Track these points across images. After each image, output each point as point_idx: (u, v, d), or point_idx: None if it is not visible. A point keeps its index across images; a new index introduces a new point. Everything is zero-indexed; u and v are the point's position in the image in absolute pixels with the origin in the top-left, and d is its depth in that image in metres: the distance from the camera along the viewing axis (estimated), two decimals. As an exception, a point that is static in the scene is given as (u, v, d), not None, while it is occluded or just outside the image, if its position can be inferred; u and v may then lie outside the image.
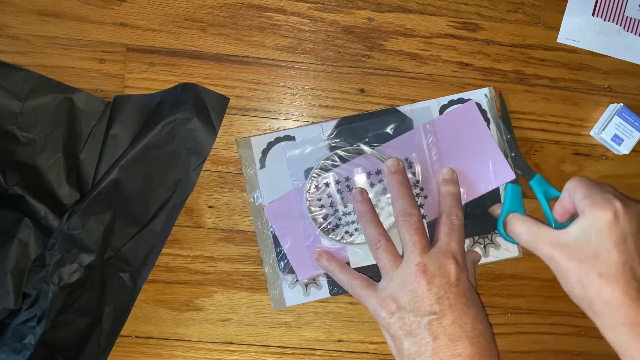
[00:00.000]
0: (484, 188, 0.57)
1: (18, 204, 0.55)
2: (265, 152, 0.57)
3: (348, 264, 0.56)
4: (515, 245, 0.58)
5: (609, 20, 0.59)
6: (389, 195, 0.56)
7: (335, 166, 0.56)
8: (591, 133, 0.59)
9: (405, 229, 0.51)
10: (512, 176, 0.57)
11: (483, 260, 0.57)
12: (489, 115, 0.57)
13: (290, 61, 0.58)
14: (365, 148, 0.56)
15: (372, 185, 0.56)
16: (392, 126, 0.57)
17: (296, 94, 0.58)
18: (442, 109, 0.57)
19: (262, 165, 0.57)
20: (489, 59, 0.59)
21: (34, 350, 0.51)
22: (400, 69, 0.58)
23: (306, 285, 0.57)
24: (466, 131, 0.57)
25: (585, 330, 0.60)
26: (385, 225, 0.55)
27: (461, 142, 0.57)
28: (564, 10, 0.59)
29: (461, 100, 0.57)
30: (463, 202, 0.56)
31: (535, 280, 0.59)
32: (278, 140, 0.57)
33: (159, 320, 0.58)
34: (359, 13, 0.58)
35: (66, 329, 0.53)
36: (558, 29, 0.59)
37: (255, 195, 0.57)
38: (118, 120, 0.56)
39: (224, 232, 0.58)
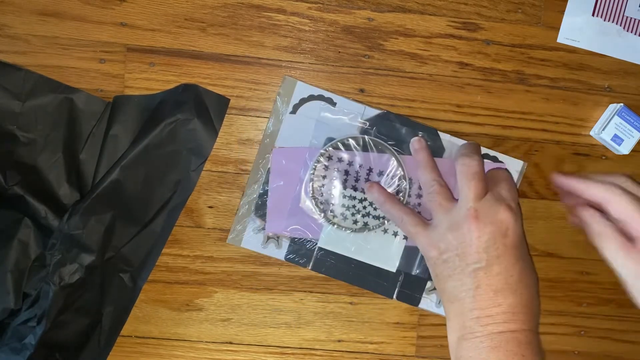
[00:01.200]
0: None
1: (18, 204, 0.55)
2: (303, 101, 0.57)
3: (317, 240, 0.57)
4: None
5: (609, 20, 0.59)
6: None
7: (358, 149, 0.56)
8: (591, 133, 0.59)
9: (463, 174, 0.50)
10: None
11: (434, 310, 0.58)
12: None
13: (290, 61, 0.58)
14: (393, 150, 0.56)
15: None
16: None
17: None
18: None
19: (293, 111, 0.57)
20: (489, 59, 0.59)
21: (34, 350, 0.51)
22: (400, 69, 0.58)
23: (268, 238, 0.57)
24: None
25: (585, 330, 0.60)
26: (373, 225, 0.57)
27: None
28: (564, 10, 0.59)
29: (494, 159, 0.58)
30: None
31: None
32: (320, 97, 0.57)
33: (159, 320, 0.58)
34: (359, 13, 0.58)
35: (66, 329, 0.53)
36: (558, 29, 0.59)
37: (270, 131, 0.57)
38: (118, 121, 0.56)
39: (224, 232, 0.58)
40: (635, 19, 0.59)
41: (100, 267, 0.54)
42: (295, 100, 0.57)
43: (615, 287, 0.60)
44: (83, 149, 0.57)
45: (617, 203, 0.47)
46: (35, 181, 0.56)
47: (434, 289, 0.58)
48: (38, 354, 0.52)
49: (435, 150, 0.57)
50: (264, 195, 0.57)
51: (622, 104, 0.57)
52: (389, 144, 0.57)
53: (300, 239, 0.57)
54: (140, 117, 0.57)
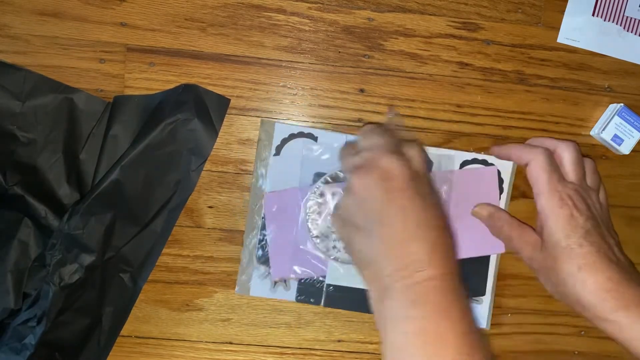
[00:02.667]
0: (474, 252, 0.58)
1: (18, 204, 0.55)
2: (284, 141, 0.57)
3: (324, 277, 0.57)
4: (485, 318, 0.58)
5: (609, 20, 0.59)
6: None
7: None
8: (591, 133, 0.59)
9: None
10: (502, 250, 0.58)
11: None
12: (504, 185, 0.58)
13: (290, 61, 0.58)
14: None
15: None
16: None
17: (296, 94, 0.58)
18: (463, 164, 0.58)
19: (277, 153, 0.57)
20: (489, 59, 0.59)
21: (34, 350, 0.51)
22: (400, 69, 0.58)
23: (275, 282, 0.57)
24: (478, 193, 0.57)
25: (585, 330, 0.60)
26: None
27: (470, 201, 0.57)
28: (564, 10, 0.59)
29: (485, 162, 0.58)
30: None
31: (536, 281, 0.59)
32: (300, 134, 0.57)
33: (159, 320, 0.58)
34: (359, 13, 0.58)
35: (66, 329, 0.53)
36: (558, 29, 0.59)
37: (260, 178, 0.57)
38: (118, 121, 0.56)
39: (224, 232, 0.58)
40: (635, 19, 0.59)
41: (100, 267, 0.54)
42: (276, 141, 0.57)
43: (615, 287, 0.60)
44: (83, 149, 0.57)
45: (533, 161, 0.51)
46: (35, 181, 0.56)
47: None
48: (38, 354, 0.52)
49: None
50: (262, 241, 0.57)
51: (622, 104, 0.57)
52: None
53: (307, 278, 0.57)
54: (140, 117, 0.57)
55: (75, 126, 0.57)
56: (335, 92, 0.58)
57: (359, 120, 0.58)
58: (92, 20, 0.57)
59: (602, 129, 0.57)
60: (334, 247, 0.56)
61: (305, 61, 0.58)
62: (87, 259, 0.53)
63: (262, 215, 0.57)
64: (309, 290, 0.57)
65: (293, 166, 0.57)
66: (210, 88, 0.57)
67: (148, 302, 0.58)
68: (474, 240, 0.57)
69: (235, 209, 0.58)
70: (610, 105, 0.59)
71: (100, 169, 0.56)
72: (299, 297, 0.57)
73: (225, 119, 0.57)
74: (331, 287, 0.57)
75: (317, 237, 0.56)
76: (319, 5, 0.58)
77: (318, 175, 0.56)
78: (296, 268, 0.57)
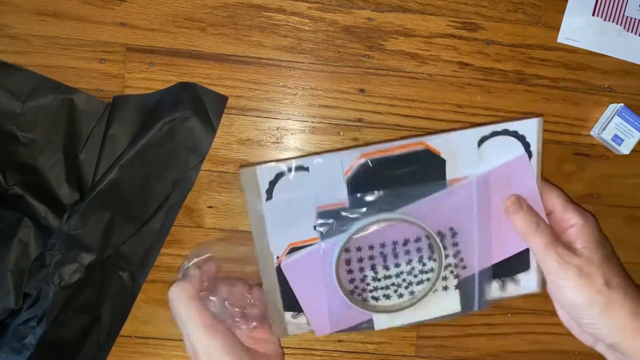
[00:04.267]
0: (517, 248, 0.53)
1: (18, 204, 0.55)
2: (272, 184, 0.49)
3: (372, 326, 0.53)
4: (535, 283, 0.54)
5: (609, 20, 0.59)
6: (423, 265, 0.52)
7: (367, 229, 0.50)
8: (591, 133, 0.59)
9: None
10: None
11: (499, 295, 0.54)
12: (531, 148, 0.51)
13: (290, 61, 0.58)
14: (407, 217, 0.50)
15: (407, 252, 0.51)
16: (422, 168, 0.49)
17: (296, 94, 0.58)
18: (482, 141, 0.50)
19: (269, 197, 0.49)
20: (489, 59, 0.59)
21: (34, 350, 0.51)
22: (400, 69, 0.58)
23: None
24: (515, 189, 0.51)
25: (585, 330, 0.60)
26: (419, 291, 0.52)
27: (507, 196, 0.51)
28: (564, 10, 0.59)
29: (505, 132, 0.50)
30: (500, 258, 0.53)
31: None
32: (289, 170, 0.48)
33: (159, 320, 0.58)
34: (359, 13, 0.58)
35: (66, 329, 0.53)
36: (558, 29, 0.59)
37: (257, 231, 0.50)
38: (117, 121, 0.56)
39: (224, 232, 0.58)
40: (635, 19, 0.59)
41: (99, 266, 0.54)
42: (265, 185, 0.48)
43: (615, 287, 0.60)
44: (83, 149, 0.57)
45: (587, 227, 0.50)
46: (35, 181, 0.56)
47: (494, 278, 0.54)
48: (38, 353, 0.52)
49: (437, 167, 0.50)
50: (287, 299, 0.52)
51: (622, 104, 0.57)
52: (392, 198, 0.50)
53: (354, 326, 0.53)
54: (138, 117, 0.57)
55: (75, 126, 0.57)
56: (335, 92, 0.58)
57: (359, 120, 0.58)
58: (92, 20, 0.57)
59: (602, 129, 0.57)
60: (373, 297, 0.52)
61: (305, 61, 0.58)
62: (87, 258, 0.53)
63: (275, 267, 0.51)
64: (352, 328, 0.54)
65: (291, 206, 0.49)
66: (210, 88, 0.57)
67: (148, 302, 0.58)
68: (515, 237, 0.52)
69: (235, 209, 0.58)
70: (610, 105, 0.59)
71: (99, 169, 0.56)
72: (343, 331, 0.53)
73: (225, 119, 0.57)
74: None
75: (352, 292, 0.52)
76: (319, 5, 0.58)
77: (324, 215, 0.50)
78: (341, 324, 0.53)
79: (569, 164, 0.59)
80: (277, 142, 0.58)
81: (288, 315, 0.53)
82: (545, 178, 0.54)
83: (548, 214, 0.51)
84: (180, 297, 0.50)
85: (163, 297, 0.58)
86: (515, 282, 0.54)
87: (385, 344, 0.60)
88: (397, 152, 0.50)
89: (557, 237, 0.49)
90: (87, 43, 0.57)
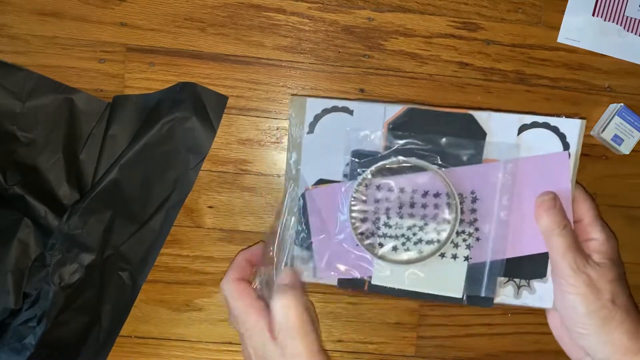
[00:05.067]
0: (538, 248, 0.52)
1: (18, 204, 0.55)
2: (317, 118, 0.52)
3: (370, 278, 0.53)
4: (550, 298, 0.53)
5: (609, 20, 0.59)
6: (437, 223, 0.52)
7: (393, 171, 0.51)
8: (591, 133, 0.59)
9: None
10: None
11: (513, 302, 0.53)
12: (570, 150, 0.51)
13: (290, 61, 0.58)
14: (433, 167, 0.51)
15: (424, 206, 0.52)
16: (462, 134, 0.51)
17: (296, 93, 0.58)
18: (522, 129, 0.51)
19: (311, 130, 0.52)
20: (489, 59, 0.59)
21: (34, 350, 0.51)
22: (400, 69, 0.58)
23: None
24: (547, 183, 0.51)
25: (585, 330, 0.60)
26: (428, 251, 0.52)
27: (537, 192, 0.51)
28: (564, 10, 0.59)
29: (546, 125, 0.51)
30: (510, 256, 0.52)
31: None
32: (335, 109, 0.52)
33: (159, 320, 0.58)
34: (359, 13, 0.58)
35: (66, 329, 0.53)
36: (558, 29, 0.59)
37: (293, 160, 0.53)
38: (117, 121, 0.56)
39: (223, 232, 0.58)
40: (635, 19, 0.59)
41: (99, 266, 0.54)
42: (309, 118, 0.52)
43: (615, 287, 0.60)
44: (83, 149, 0.57)
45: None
46: (35, 181, 0.56)
47: (508, 280, 0.53)
48: (38, 353, 0.52)
49: (477, 136, 0.51)
50: (302, 233, 0.53)
51: (622, 104, 0.57)
52: (425, 151, 0.51)
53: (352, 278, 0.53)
54: (138, 117, 0.57)
55: (75, 126, 0.57)
56: (335, 92, 0.58)
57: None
58: (91, 20, 0.57)
59: (602, 129, 0.57)
60: (380, 244, 0.52)
61: (305, 61, 0.58)
62: (87, 258, 0.53)
63: (299, 202, 0.53)
64: (353, 282, 0.54)
65: (329, 145, 0.52)
66: (210, 88, 0.57)
67: (148, 302, 0.58)
68: (538, 236, 0.51)
69: (235, 209, 0.58)
70: (610, 105, 0.59)
71: (100, 169, 0.56)
72: (341, 284, 0.53)
73: (225, 119, 0.57)
74: (376, 287, 0.53)
75: (361, 233, 0.52)
76: (319, 5, 0.58)
77: (357, 154, 0.52)
78: (341, 267, 0.53)
79: (569, 164, 0.59)
80: (277, 142, 0.58)
81: (300, 256, 0.53)
82: (581, 184, 0.54)
83: (575, 221, 0.51)
84: (233, 294, 0.50)
85: (163, 297, 0.58)
86: (531, 290, 0.53)
87: (385, 344, 0.60)
88: (442, 109, 0.52)
89: (578, 244, 0.50)
90: (87, 43, 0.57)
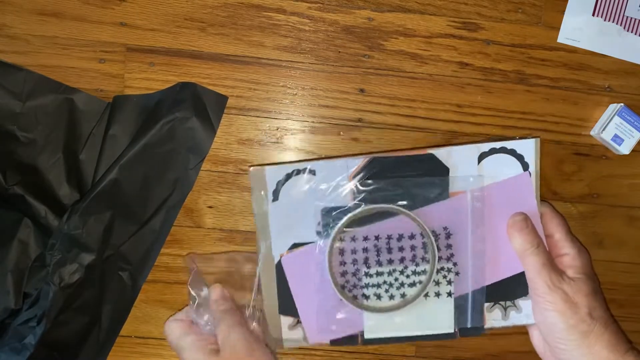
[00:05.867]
0: (515, 269, 0.53)
1: (18, 204, 0.55)
2: (280, 184, 0.52)
3: (361, 335, 0.53)
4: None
5: (609, 20, 0.59)
6: (416, 265, 0.52)
7: (365, 221, 0.52)
8: (591, 133, 0.59)
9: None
10: None
11: (502, 324, 0.54)
12: (530, 169, 0.53)
13: (290, 61, 0.58)
14: (403, 210, 0.51)
15: (401, 249, 0.52)
16: (426, 174, 0.52)
17: (296, 94, 0.58)
18: (482, 157, 0.52)
19: (275, 198, 0.52)
20: (489, 59, 0.59)
21: (34, 350, 0.51)
22: (400, 69, 0.58)
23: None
24: (514, 205, 0.52)
25: (585, 330, 0.60)
26: (412, 294, 0.52)
27: (506, 215, 0.52)
28: (564, 10, 0.59)
29: (503, 150, 0.52)
30: (490, 282, 0.53)
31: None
32: (297, 172, 0.52)
33: (159, 320, 0.58)
34: (359, 13, 0.58)
35: (66, 329, 0.53)
36: (558, 29, 0.59)
37: (262, 230, 0.52)
38: (117, 121, 0.56)
39: (223, 232, 0.58)
40: (635, 19, 0.59)
41: (99, 266, 0.54)
42: (272, 186, 0.52)
43: (614, 287, 0.60)
44: (83, 149, 0.57)
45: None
46: (35, 181, 0.56)
47: (494, 304, 0.53)
48: (38, 353, 0.52)
49: (442, 175, 0.52)
50: (284, 299, 0.53)
51: (622, 104, 0.57)
52: (392, 196, 0.52)
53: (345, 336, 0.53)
54: (138, 117, 0.57)
55: (76, 126, 0.57)
56: (335, 92, 0.58)
57: (359, 120, 0.58)
58: (91, 20, 0.57)
59: (602, 129, 0.57)
60: (364, 295, 0.52)
61: (305, 61, 0.58)
62: (87, 258, 0.53)
63: (275, 266, 0.53)
64: (345, 339, 0.53)
65: (296, 208, 0.52)
66: (210, 88, 0.57)
67: (148, 302, 0.58)
68: (513, 258, 0.52)
69: (235, 209, 0.58)
70: (610, 105, 0.59)
71: (100, 169, 0.56)
72: (333, 343, 0.53)
73: (225, 119, 0.57)
74: (370, 340, 0.53)
75: (343, 287, 0.52)
76: (319, 5, 0.58)
77: (326, 211, 0.52)
78: (331, 327, 0.53)
79: (569, 164, 0.59)
80: (277, 142, 0.58)
81: (284, 324, 0.53)
82: (547, 200, 0.56)
83: (546, 237, 0.53)
84: (175, 332, 0.53)
85: (163, 297, 0.58)
86: (518, 309, 0.54)
87: (385, 344, 0.60)
88: (403, 154, 0.52)
89: (552, 261, 0.51)
90: (87, 43, 0.57)
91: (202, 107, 0.56)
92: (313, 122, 0.58)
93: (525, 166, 0.53)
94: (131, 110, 0.57)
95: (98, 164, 0.57)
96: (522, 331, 0.60)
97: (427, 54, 0.58)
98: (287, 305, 0.53)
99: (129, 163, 0.54)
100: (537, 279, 0.50)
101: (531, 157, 0.53)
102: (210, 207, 0.58)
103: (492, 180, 0.53)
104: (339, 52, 0.58)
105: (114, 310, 0.56)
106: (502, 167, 0.53)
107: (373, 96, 0.58)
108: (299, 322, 0.53)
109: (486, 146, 0.53)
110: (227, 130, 0.58)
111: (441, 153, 0.52)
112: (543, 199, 0.58)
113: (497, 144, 0.53)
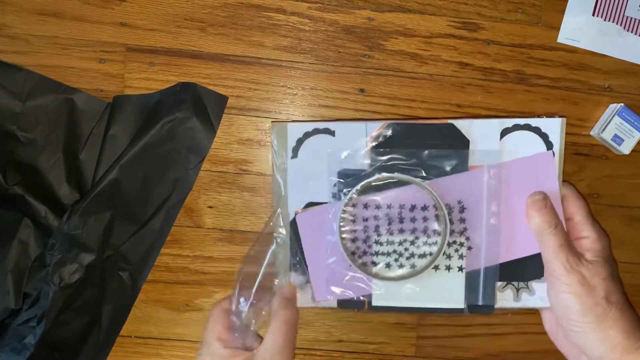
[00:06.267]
0: (532, 249, 0.52)
1: (18, 204, 0.55)
2: (300, 142, 0.52)
3: (370, 296, 0.52)
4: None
5: (609, 20, 0.59)
6: (428, 236, 0.52)
7: (379, 188, 0.52)
8: (591, 133, 0.59)
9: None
10: None
11: (513, 305, 0.53)
12: (554, 149, 0.52)
13: (290, 61, 0.58)
14: (417, 180, 0.51)
15: (413, 220, 0.52)
16: (445, 144, 0.51)
17: (296, 94, 0.58)
18: (504, 133, 0.52)
19: (295, 155, 0.52)
20: (489, 59, 0.59)
21: (34, 350, 0.51)
22: (400, 69, 0.58)
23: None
24: (534, 184, 0.51)
25: (585, 330, 0.60)
26: (421, 265, 0.52)
27: (525, 194, 0.51)
28: (564, 10, 0.59)
29: (527, 127, 0.51)
30: (504, 261, 0.52)
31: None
32: (316, 131, 0.52)
33: (159, 320, 0.58)
34: (359, 13, 0.58)
35: (66, 329, 0.53)
36: (558, 28, 0.59)
37: (279, 185, 0.52)
38: (116, 121, 0.56)
39: (224, 232, 0.58)
40: (635, 19, 0.59)
41: (99, 266, 0.54)
42: (292, 143, 0.52)
43: (615, 287, 0.60)
44: (83, 149, 0.57)
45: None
46: (35, 181, 0.56)
47: (507, 284, 0.53)
48: (38, 353, 0.52)
49: (460, 145, 0.51)
50: (297, 258, 0.53)
51: (622, 104, 0.57)
52: (408, 165, 0.51)
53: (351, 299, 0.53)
54: (138, 117, 0.57)
55: (76, 126, 0.57)
56: (335, 92, 0.58)
57: (359, 120, 0.58)
58: (91, 20, 0.57)
59: (602, 129, 0.57)
60: (373, 262, 0.52)
61: (305, 61, 0.58)
62: (87, 258, 0.53)
63: (290, 232, 0.53)
64: (352, 302, 0.53)
65: (314, 167, 0.52)
66: (210, 88, 0.57)
67: (148, 302, 0.58)
68: (530, 237, 0.51)
69: (235, 209, 0.58)
70: (610, 105, 0.59)
71: (99, 169, 0.56)
72: (340, 305, 0.53)
73: (225, 119, 0.57)
74: (376, 307, 0.53)
75: (353, 253, 0.52)
76: (319, 5, 0.58)
77: (342, 174, 0.52)
78: (336, 290, 0.52)
79: (569, 164, 0.59)
80: (277, 142, 0.58)
81: (294, 283, 0.53)
82: (571, 182, 0.55)
83: (567, 219, 0.52)
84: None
85: (163, 297, 0.58)
86: (530, 291, 0.53)
87: (385, 344, 0.60)
88: (423, 121, 0.52)
89: (570, 243, 0.50)
90: (87, 43, 0.57)
91: (202, 107, 0.56)
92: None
93: (549, 145, 0.52)
94: (131, 110, 0.57)
95: (98, 164, 0.57)
96: (522, 331, 0.60)
97: (427, 54, 0.58)
98: (298, 263, 0.53)
99: (129, 163, 0.54)
100: (554, 260, 0.49)
101: (556, 137, 0.52)
102: (210, 207, 0.58)
103: (513, 156, 0.52)
104: (339, 52, 0.58)
105: (114, 310, 0.56)
106: (525, 145, 0.52)
107: (373, 96, 0.58)
108: (308, 281, 0.53)
109: (510, 122, 0.52)
110: (227, 130, 0.58)
111: (462, 124, 0.51)
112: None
113: (522, 121, 0.52)
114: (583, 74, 0.59)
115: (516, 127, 0.52)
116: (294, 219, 0.53)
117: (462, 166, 0.52)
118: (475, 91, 0.59)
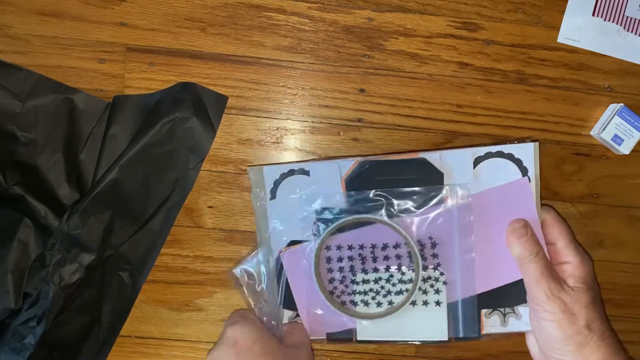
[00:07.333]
0: (515, 276, 0.53)
1: (18, 204, 0.55)
2: (277, 183, 0.54)
3: (356, 333, 0.54)
4: None
5: (609, 20, 0.59)
6: (402, 273, 0.53)
7: (351, 228, 0.53)
8: (591, 133, 0.59)
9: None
10: None
11: (500, 330, 0.54)
12: (529, 174, 0.52)
13: (290, 61, 0.58)
14: (385, 219, 0.52)
15: (386, 258, 0.53)
16: (418, 178, 0.52)
17: (296, 94, 0.58)
18: (477, 161, 0.52)
19: (273, 196, 0.54)
20: (489, 59, 0.59)
21: (34, 350, 0.51)
22: (400, 69, 0.58)
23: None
24: (512, 212, 0.52)
25: (585, 330, 0.60)
26: (398, 302, 0.53)
27: (504, 222, 0.52)
28: (564, 10, 0.59)
29: (500, 154, 0.52)
30: (483, 291, 0.53)
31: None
32: (292, 173, 0.54)
33: (159, 320, 0.58)
34: (359, 13, 0.58)
35: (66, 329, 0.53)
36: (558, 28, 0.59)
37: (261, 227, 0.55)
38: (116, 121, 0.56)
39: (223, 232, 0.58)
40: (635, 19, 0.59)
41: (99, 266, 0.54)
42: (269, 184, 0.54)
43: (613, 287, 0.60)
44: (83, 149, 0.57)
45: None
46: (35, 181, 0.56)
47: (493, 310, 0.53)
48: (38, 353, 0.52)
49: (434, 181, 0.52)
50: (284, 289, 0.54)
51: (622, 104, 0.57)
52: (380, 204, 0.52)
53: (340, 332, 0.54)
54: (138, 117, 0.57)
55: (76, 126, 0.57)
56: (335, 92, 0.58)
57: (359, 120, 0.58)
58: (91, 20, 0.57)
59: (602, 129, 0.57)
60: (352, 301, 0.53)
61: (305, 61, 0.58)
62: (87, 258, 0.53)
63: (276, 262, 0.54)
64: (341, 334, 0.54)
65: (292, 207, 0.53)
66: (210, 88, 0.57)
67: (148, 302, 0.58)
68: (510, 263, 0.52)
69: (235, 209, 0.58)
70: (610, 105, 0.59)
71: (99, 169, 0.56)
72: (330, 339, 0.55)
73: (225, 119, 0.57)
74: (363, 340, 0.54)
75: (332, 293, 0.53)
76: (319, 5, 0.58)
77: (318, 213, 0.53)
78: (321, 328, 0.54)
79: (569, 164, 0.59)
80: (277, 142, 0.58)
81: (286, 317, 0.54)
82: (550, 205, 0.56)
83: (548, 244, 0.52)
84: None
85: (163, 297, 0.58)
86: (517, 316, 0.54)
87: (384, 344, 0.60)
88: (395, 157, 0.53)
89: (552, 270, 0.50)
90: (87, 43, 0.57)
91: (202, 107, 0.56)
92: (313, 122, 0.58)
93: (524, 171, 0.52)
94: (131, 110, 0.57)
95: (98, 164, 0.57)
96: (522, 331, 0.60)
97: (427, 54, 0.58)
98: (288, 299, 0.54)
99: (129, 163, 0.54)
100: (536, 287, 0.49)
101: (530, 162, 0.52)
102: (210, 207, 0.58)
103: (489, 184, 0.52)
104: (339, 52, 0.58)
105: (114, 310, 0.56)
106: (500, 172, 0.52)
107: (373, 96, 0.58)
108: (297, 315, 0.54)
109: (481, 150, 0.52)
110: (227, 130, 0.58)
111: (434, 157, 0.52)
112: (544, 199, 0.58)
113: (493, 148, 0.52)
114: (583, 74, 0.59)
115: (489, 155, 0.52)
116: (279, 258, 0.54)
117: (428, 202, 0.52)
118: (475, 91, 0.59)
